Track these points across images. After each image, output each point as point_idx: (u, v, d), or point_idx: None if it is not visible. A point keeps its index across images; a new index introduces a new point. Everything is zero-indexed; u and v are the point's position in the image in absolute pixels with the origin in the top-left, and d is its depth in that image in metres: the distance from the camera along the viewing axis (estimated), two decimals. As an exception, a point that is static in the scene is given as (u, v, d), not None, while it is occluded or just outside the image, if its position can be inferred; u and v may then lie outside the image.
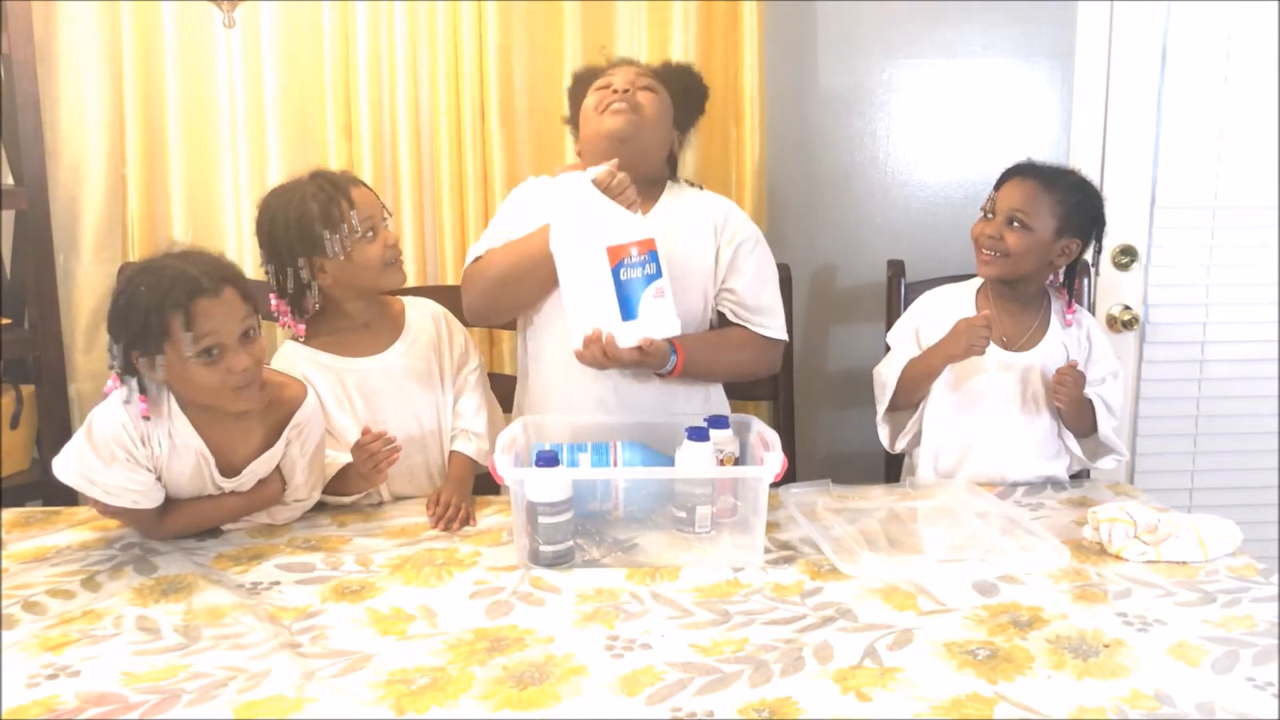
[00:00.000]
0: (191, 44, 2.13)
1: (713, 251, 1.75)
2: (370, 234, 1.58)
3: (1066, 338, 1.75)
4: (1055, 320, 1.76)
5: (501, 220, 1.80)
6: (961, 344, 1.66)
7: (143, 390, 1.38)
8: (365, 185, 1.64)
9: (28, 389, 2.13)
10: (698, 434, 1.43)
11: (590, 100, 1.75)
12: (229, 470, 1.45)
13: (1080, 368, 1.72)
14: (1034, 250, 1.70)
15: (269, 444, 1.46)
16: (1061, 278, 1.79)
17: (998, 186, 1.75)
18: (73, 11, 2.10)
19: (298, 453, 1.49)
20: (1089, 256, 1.76)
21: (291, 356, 1.62)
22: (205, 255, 1.41)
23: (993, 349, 1.73)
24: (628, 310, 1.53)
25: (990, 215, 1.73)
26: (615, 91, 1.71)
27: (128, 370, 1.37)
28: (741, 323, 1.77)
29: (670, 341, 1.62)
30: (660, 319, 1.56)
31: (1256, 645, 1.13)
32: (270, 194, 1.62)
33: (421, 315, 1.71)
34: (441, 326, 1.71)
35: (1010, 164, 1.77)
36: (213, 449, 1.43)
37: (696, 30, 2.11)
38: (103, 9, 2.10)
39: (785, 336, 1.81)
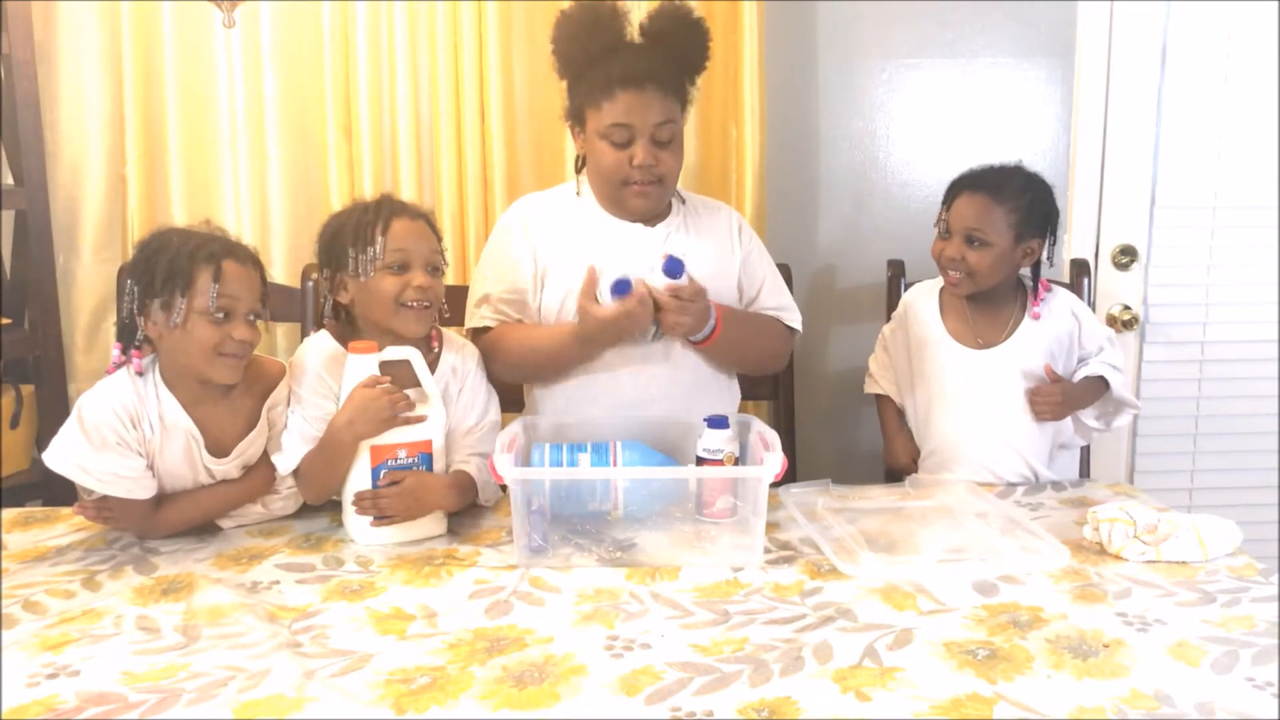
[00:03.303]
0: (191, 44, 2.13)
1: (739, 258, 1.77)
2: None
3: (1046, 324, 1.75)
4: (1028, 310, 1.76)
5: (496, 271, 1.74)
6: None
7: (137, 348, 1.40)
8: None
9: (28, 389, 2.13)
10: (717, 423, 1.49)
11: (604, 144, 1.64)
12: (218, 452, 1.46)
13: (1075, 343, 1.74)
14: (998, 263, 1.72)
15: (254, 424, 1.48)
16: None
17: (948, 201, 1.75)
18: (73, 11, 2.10)
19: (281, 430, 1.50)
20: (1046, 253, 1.76)
21: (325, 345, 1.55)
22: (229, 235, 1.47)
23: (963, 349, 1.74)
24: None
25: (946, 234, 1.73)
26: (639, 168, 1.63)
27: (130, 328, 1.38)
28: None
29: (711, 305, 1.62)
30: (413, 526, 1.47)
31: (1256, 645, 1.13)
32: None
33: (452, 361, 1.60)
34: (466, 379, 1.60)
35: (955, 177, 1.77)
36: (200, 429, 1.44)
37: (696, 30, 2.11)
38: (103, 9, 2.10)
39: (800, 322, 1.84)
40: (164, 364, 1.43)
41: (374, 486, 1.45)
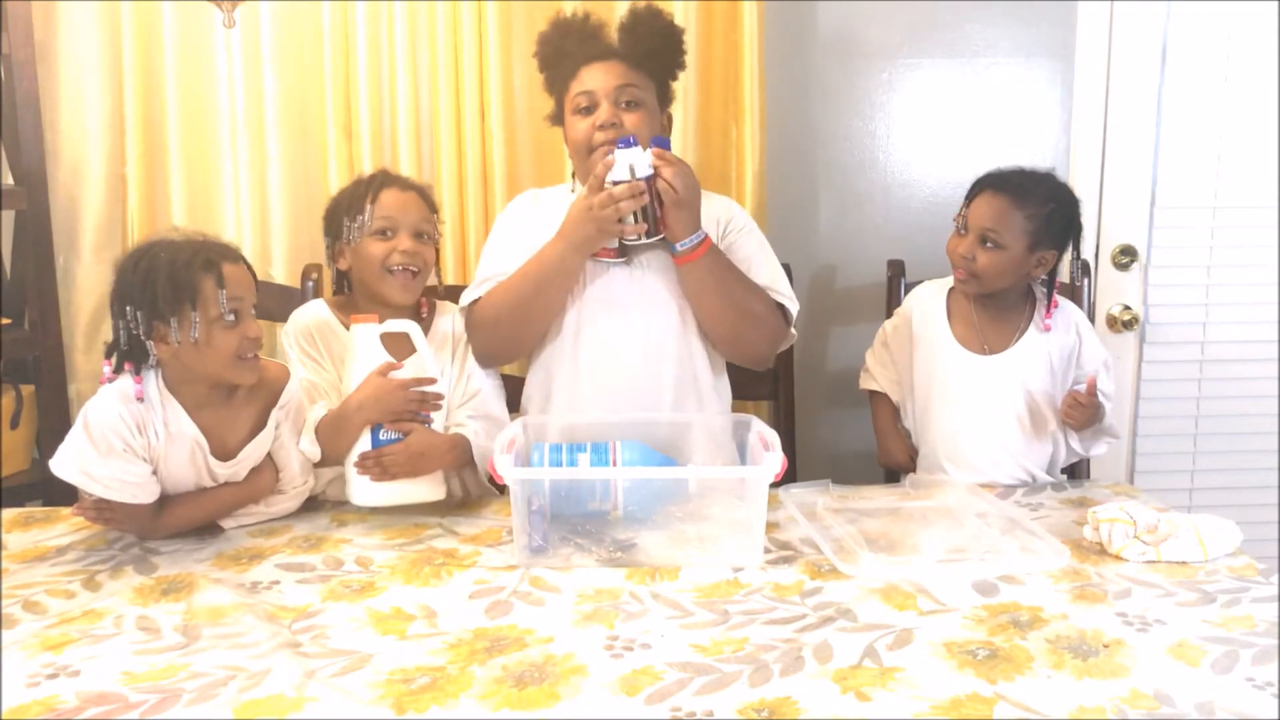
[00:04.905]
0: (191, 44, 2.13)
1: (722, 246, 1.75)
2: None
3: (1050, 336, 1.74)
4: (1037, 321, 1.75)
5: (497, 252, 1.76)
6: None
7: (137, 373, 1.40)
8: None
9: (28, 389, 2.13)
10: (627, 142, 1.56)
11: (574, 118, 1.70)
12: (223, 456, 1.46)
13: (1074, 360, 1.73)
14: (1008, 268, 1.70)
15: (258, 428, 1.48)
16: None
17: (970, 198, 1.73)
18: (73, 11, 2.10)
19: (288, 434, 1.51)
20: (1065, 264, 1.75)
21: (316, 310, 1.66)
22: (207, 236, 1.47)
23: (967, 354, 1.73)
24: None
25: (963, 231, 1.72)
26: (601, 128, 1.66)
27: (135, 348, 1.37)
28: None
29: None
30: (414, 487, 1.53)
31: (1256, 645, 1.13)
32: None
33: (447, 326, 1.71)
34: (462, 343, 1.70)
35: (981, 174, 1.75)
36: (205, 433, 1.44)
37: (696, 30, 2.11)
38: (103, 9, 2.10)
39: (796, 305, 1.77)
40: (167, 371, 1.42)
41: (374, 444, 1.50)
